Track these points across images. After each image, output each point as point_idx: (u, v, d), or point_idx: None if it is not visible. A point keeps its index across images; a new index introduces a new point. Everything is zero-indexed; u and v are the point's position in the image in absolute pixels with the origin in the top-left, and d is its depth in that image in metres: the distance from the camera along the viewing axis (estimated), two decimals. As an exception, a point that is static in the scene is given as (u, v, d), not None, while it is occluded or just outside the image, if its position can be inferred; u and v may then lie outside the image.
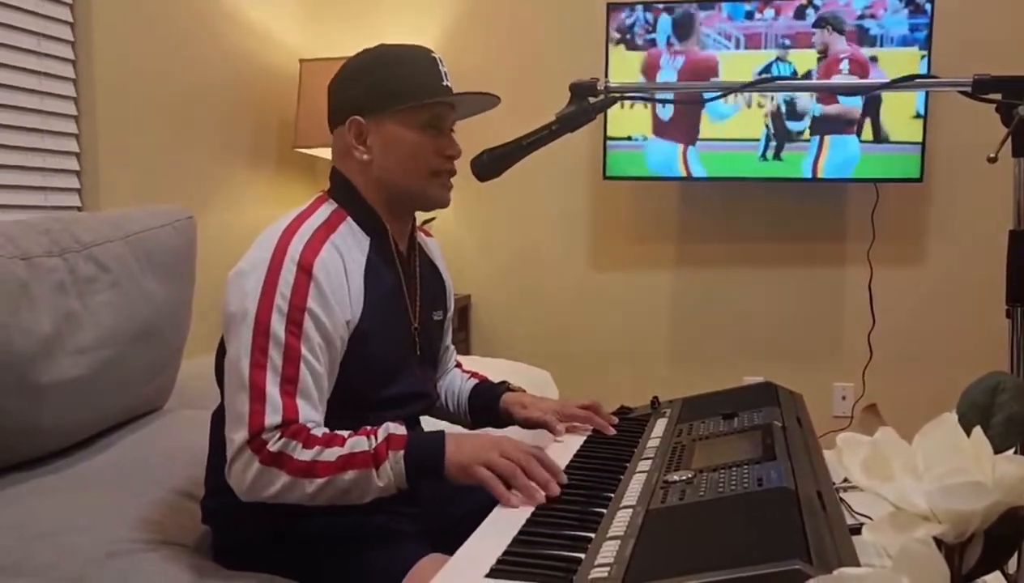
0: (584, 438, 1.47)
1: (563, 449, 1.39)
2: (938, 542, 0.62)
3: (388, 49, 1.39)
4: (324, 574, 1.29)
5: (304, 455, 1.19)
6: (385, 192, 1.37)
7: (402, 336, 1.40)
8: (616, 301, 3.37)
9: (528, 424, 1.51)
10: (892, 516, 0.63)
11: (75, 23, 2.29)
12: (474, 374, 1.66)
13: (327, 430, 1.23)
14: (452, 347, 1.68)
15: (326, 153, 3.15)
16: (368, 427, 1.24)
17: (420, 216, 1.51)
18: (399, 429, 1.23)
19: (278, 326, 1.21)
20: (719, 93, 1.37)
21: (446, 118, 1.38)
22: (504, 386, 1.60)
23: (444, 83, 1.37)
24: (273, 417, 1.19)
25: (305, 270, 1.24)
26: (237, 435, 1.20)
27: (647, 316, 3.35)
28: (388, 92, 1.34)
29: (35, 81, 2.18)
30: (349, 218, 1.36)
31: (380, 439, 1.21)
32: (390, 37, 3.52)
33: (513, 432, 1.48)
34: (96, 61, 2.31)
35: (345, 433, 1.22)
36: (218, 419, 1.37)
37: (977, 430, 0.64)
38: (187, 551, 1.38)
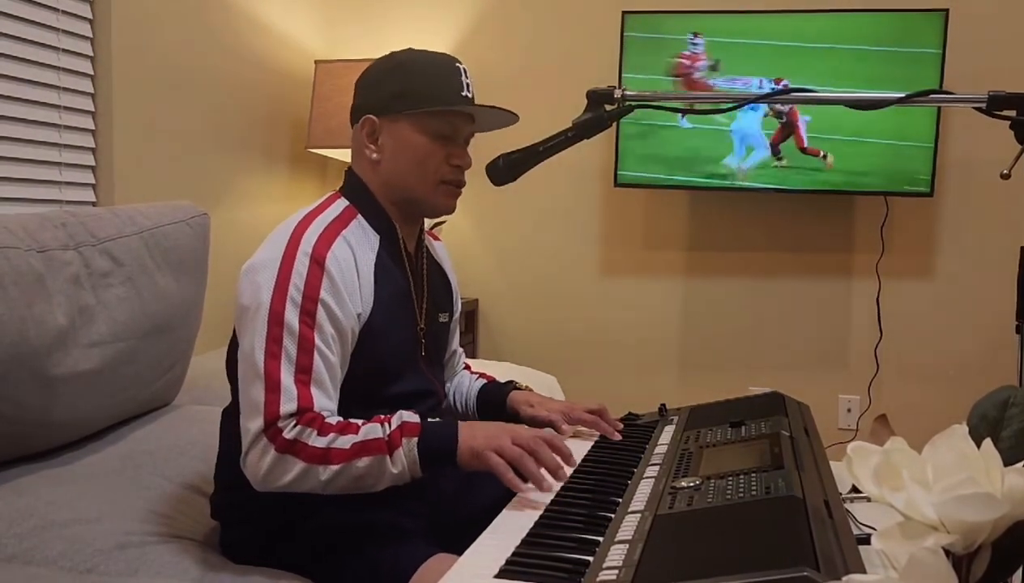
0: (591, 443, 1.47)
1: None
2: (946, 552, 0.62)
3: (414, 54, 1.40)
4: (332, 571, 1.30)
5: (319, 442, 1.20)
6: (392, 193, 1.39)
7: (409, 335, 1.41)
8: (624, 308, 3.37)
9: (534, 423, 1.52)
10: (902, 525, 0.64)
11: (94, 19, 2.31)
12: (482, 375, 1.67)
13: (341, 418, 1.24)
14: (461, 350, 1.70)
15: (339, 154, 3.16)
16: (382, 416, 1.25)
17: (430, 219, 1.52)
18: (412, 417, 1.25)
19: (292, 317, 1.23)
20: (735, 104, 1.38)
21: (461, 129, 1.39)
22: (511, 385, 1.61)
23: (464, 93, 1.37)
24: (288, 405, 1.20)
25: (318, 262, 1.25)
26: (253, 424, 1.21)
27: (655, 323, 3.35)
28: (404, 95, 1.35)
29: (53, 76, 2.19)
30: (360, 216, 1.37)
31: (394, 426, 1.22)
32: (405, 40, 3.53)
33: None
34: (114, 57, 2.33)
35: (359, 421, 1.23)
36: (229, 416, 1.38)
37: (987, 442, 0.64)
38: (196, 545, 1.39)
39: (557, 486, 1.20)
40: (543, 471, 1.20)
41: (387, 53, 1.42)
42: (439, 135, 1.36)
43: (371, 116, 1.36)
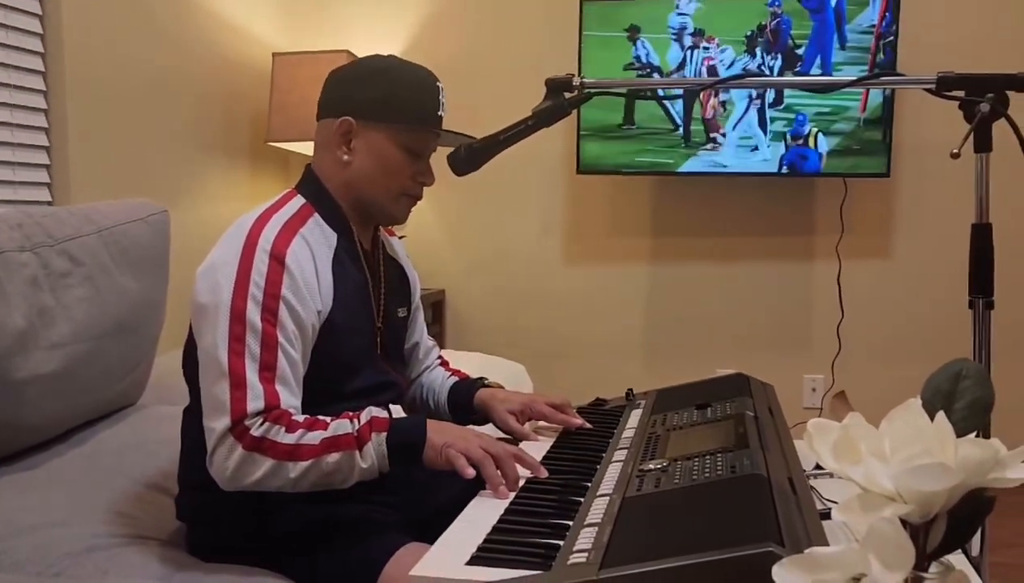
0: (558, 431, 1.48)
1: (539, 441, 1.41)
2: (904, 523, 0.64)
3: (401, 64, 1.40)
4: (303, 566, 1.30)
5: (287, 439, 1.19)
6: (353, 195, 1.39)
7: (366, 332, 1.42)
8: (590, 295, 3.39)
9: (500, 428, 1.52)
10: (860, 497, 0.65)
11: (44, 15, 2.26)
12: (456, 372, 1.67)
13: (308, 416, 1.24)
14: (434, 344, 1.69)
15: (298, 147, 3.14)
16: (350, 412, 1.25)
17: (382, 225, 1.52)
18: (381, 412, 1.25)
19: (254, 314, 1.22)
20: (693, 88, 1.39)
21: (429, 146, 1.41)
22: (480, 383, 1.60)
23: (439, 113, 1.39)
24: (255, 403, 1.19)
25: (278, 259, 1.25)
26: (218, 423, 1.20)
27: (620, 309, 3.38)
28: (389, 105, 1.35)
29: (3, 74, 2.15)
30: (317, 214, 1.37)
31: (363, 421, 1.22)
32: (364, 33, 3.49)
33: (490, 429, 1.50)
34: (66, 54, 2.29)
35: (327, 418, 1.23)
36: (190, 416, 1.37)
37: (940, 414, 0.66)
38: (165, 545, 1.38)
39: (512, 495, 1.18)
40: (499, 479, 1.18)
41: (370, 55, 1.42)
42: (411, 151, 1.38)
43: (349, 118, 1.36)
